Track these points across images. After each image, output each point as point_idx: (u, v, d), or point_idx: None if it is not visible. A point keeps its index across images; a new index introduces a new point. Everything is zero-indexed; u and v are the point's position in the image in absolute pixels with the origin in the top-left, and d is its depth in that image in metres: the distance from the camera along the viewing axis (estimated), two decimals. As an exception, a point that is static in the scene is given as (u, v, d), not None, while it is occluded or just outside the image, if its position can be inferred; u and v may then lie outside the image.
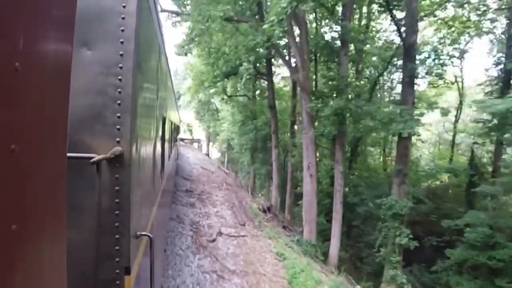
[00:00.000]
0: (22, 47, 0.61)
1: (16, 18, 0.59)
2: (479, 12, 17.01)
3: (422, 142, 26.71)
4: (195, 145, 68.60)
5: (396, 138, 15.93)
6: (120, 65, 1.86)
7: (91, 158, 1.70)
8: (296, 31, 16.86)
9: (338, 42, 17.22)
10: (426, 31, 23.09)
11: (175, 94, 13.65)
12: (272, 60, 24.11)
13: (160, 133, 4.20)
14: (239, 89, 32.41)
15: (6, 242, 0.58)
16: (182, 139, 59.79)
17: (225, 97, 31.95)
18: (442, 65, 15.14)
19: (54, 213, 0.81)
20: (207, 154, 55.70)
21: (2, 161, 0.57)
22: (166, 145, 6.03)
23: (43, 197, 0.75)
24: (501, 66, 18.43)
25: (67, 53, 0.84)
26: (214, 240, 11.11)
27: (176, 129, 13.43)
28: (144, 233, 2.42)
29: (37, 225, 0.71)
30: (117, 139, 1.85)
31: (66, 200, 0.86)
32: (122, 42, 1.87)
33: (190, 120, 68.79)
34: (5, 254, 0.58)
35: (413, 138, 16.50)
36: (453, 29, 18.41)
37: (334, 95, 15.38)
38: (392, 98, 25.60)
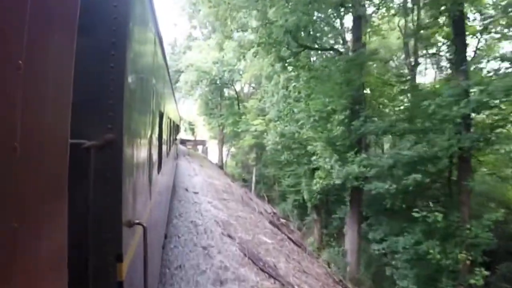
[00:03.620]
0: (25, 45, 0.61)
1: (20, 16, 0.59)
2: None
3: None
4: (199, 148, 51.57)
5: None
6: (112, 52, 1.85)
7: (82, 144, 1.70)
8: None
9: None
10: None
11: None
12: None
13: (157, 128, 4.04)
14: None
15: (8, 239, 0.58)
16: (183, 141, 41.45)
17: (292, 51, 12.86)
18: None
19: (55, 209, 0.80)
20: (221, 167, 36.73)
21: (5, 159, 0.57)
22: (165, 143, 5.76)
23: (44, 194, 0.74)
24: None
25: (70, 51, 0.82)
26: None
27: (175, 127, 11.98)
28: (137, 221, 2.33)
29: (38, 222, 0.71)
30: (109, 125, 1.82)
31: (66, 197, 0.84)
32: (114, 30, 1.85)
33: (191, 115, 51.04)
34: (7, 250, 0.59)
35: None
36: None
37: None
38: None
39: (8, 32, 0.57)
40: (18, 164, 0.61)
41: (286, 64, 14.51)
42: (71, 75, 0.83)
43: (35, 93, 0.68)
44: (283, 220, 20.35)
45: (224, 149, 40.90)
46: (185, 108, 48.81)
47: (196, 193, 15.37)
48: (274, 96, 18.69)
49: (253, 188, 29.72)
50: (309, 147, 13.33)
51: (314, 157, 12.88)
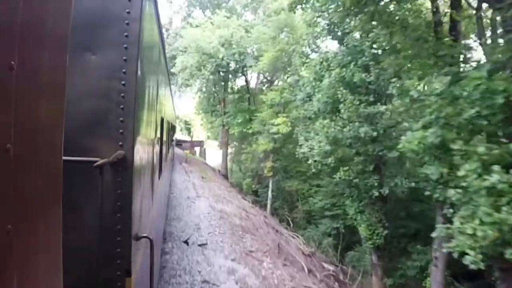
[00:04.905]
0: (18, 46, 0.61)
1: (13, 18, 0.59)
2: None
3: None
4: (197, 150, 46.31)
5: None
6: (124, 70, 1.86)
7: (94, 161, 1.72)
8: None
9: None
10: None
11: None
12: None
13: (158, 135, 4.05)
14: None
15: (2, 241, 0.58)
16: (179, 143, 35.28)
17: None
18: None
19: (49, 211, 0.81)
20: (226, 176, 29.99)
21: None
22: (164, 147, 5.87)
23: (38, 196, 0.75)
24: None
25: (63, 53, 0.84)
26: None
27: (172, 129, 11.99)
28: (144, 235, 2.36)
29: (32, 224, 0.71)
30: (120, 143, 1.85)
31: (61, 199, 0.84)
32: (126, 48, 1.87)
33: (188, 112, 48.21)
34: (1, 253, 0.58)
35: None
36: None
37: None
38: None
39: (1, 32, 0.56)
40: (11, 165, 0.59)
41: (374, 12, 7.80)
42: (65, 76, 0.84)
43: (28, 94, 0.67)
44: (330, 267, 13.65)
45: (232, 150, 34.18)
46: (180, 104, 42.69)
47: (203, 245, 8.58)
48: (324, 78, 11.93)
49: (269, 206, 22.97)
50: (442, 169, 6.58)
51: (452, 193, 6.19)
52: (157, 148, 3.73)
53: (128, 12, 1.87)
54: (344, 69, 11.48)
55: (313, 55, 15.87)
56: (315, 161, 12.14)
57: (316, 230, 20.01)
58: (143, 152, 2.32)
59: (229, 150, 34.05)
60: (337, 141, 11.62)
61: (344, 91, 10.70)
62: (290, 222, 19.51)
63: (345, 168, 11.59)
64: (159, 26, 3.26)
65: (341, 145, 11.57)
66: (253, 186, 28.09)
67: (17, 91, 0.61)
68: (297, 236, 17.48)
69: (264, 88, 29.39)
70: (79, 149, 1.69)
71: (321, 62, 12.79)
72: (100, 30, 1.85)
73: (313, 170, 12.94)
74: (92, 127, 1.84)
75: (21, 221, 0.64)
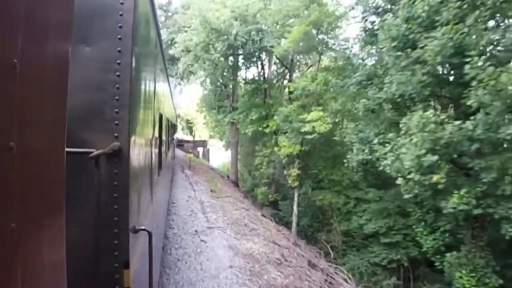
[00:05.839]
0: (20, 44, 0.60)
1: (15, 16, 0.59)
2: None
3: None
4: (200, 150, 41.59)
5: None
6: (118, 61, 1.85)
7: (90, 153, 1.71)
8: None
9: None
10: None
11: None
12: None
13: (157, 129, 3.97)
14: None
15: (6, 240, 0.58)
16: (180, 143, 31.48)
17: None
18: None
19: (52, 210, 0.81)
20: (236, 183, 25.28)
21: (1, 159, 0.57)
22: (163, 146, 5.77)
23: (42, 194, 0.74)
24: None
25: (65, 50, 0.83)
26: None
27: (172, 127, 11.75)
28: (142, 227, 2.33)
29: (36, 222, 0.71)
30: (115, 134, 1.85)
31: (64, 197, 0.85)
32: (120, 39, 1.86)
33: (189, 110, 45.47)
34: (5, 252, 0.58)
35: None
36: None
37: None
38: None
39: (3, 30, 0.56)
40: (15, 163, 0.59)
41: None
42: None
43: (31, 91, 0.66)
44: None
45: (230, 152, 29.39)
46: (182, 102, 38.79)
47: None
48: (422, 42, 7.10)
49: (294, 225, 18.22)
50: None
51: None
52: (155, 143, 3.60)
53: (122, 3, 1.86)
54: (459, 25, 6.69)
55: (373, 18, 11.10)
56: (408, 180, 7.35)
57: (360, 258, 15.32)
58: (140, 144, 2.29)
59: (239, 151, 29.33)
60: (447, 147, 6.84)
61: (477, 58, 6.00)
62: (330, 250, 14.72)
63: (463, 192, 6.86)
64: (155, 16, 3.17)
65: (456, 153, 6.81)
66: (270, 195, 23.34)
67: (21, 89, 0.60)
68: (342, 271, 12.84)
69: (275, 81, 24.67)
70: (75, 141, 1.63)
71: (406, 20, 8.04)
72: (94, 21, 1.84)
73: (408, 196, 8.22)
74: (87, 118, 1.82)
75: (25, 219, 0.64)
